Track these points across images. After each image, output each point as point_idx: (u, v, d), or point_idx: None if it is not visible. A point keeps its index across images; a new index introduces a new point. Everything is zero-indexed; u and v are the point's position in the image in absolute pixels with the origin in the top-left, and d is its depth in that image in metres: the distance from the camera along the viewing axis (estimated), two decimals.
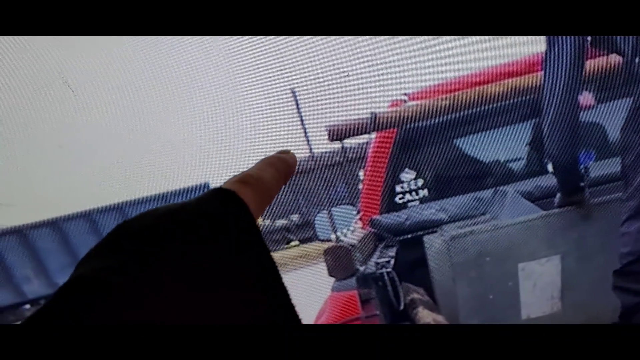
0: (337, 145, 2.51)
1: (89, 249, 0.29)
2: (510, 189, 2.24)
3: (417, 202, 2.71)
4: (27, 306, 12.50)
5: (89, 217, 11.56)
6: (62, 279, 11.69)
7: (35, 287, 11.54)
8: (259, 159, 0.39)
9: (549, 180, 2.21)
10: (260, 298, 0.28)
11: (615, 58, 1.95)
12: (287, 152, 0.40)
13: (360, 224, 2.61)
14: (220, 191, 0.32)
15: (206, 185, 12.81)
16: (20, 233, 10.91)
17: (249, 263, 0.29)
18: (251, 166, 0.38)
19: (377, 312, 1.84)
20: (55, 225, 11.24)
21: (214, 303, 0.26)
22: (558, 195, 1.88)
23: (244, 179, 0.34)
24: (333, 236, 2.26)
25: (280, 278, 0.31)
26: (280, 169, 0.38)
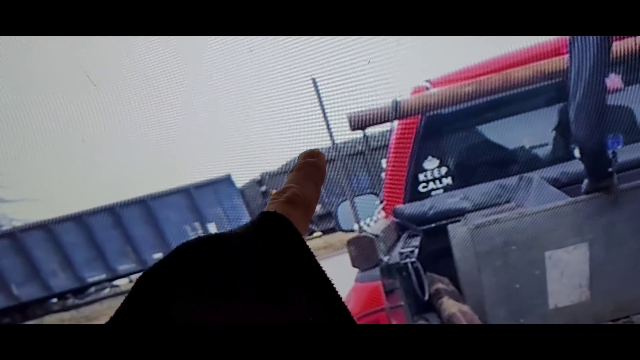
0: (359, 134, 2.50)
1: (156, 266, 0.30)
2: (535, 175, 2.22)
3: (441, 190, 2.70)
4: (54, 300, 12.73)
5: (112, 211, 11.72)
6: (87, 272, 11.91)
7: (62, 281, 11.74)
8: (294, 165, 0.41)
9: (575, 166, 2.19)
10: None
11: None
12: (317, 154, 0.41)
13: (383, 213, 2.61)
14: (273, 217, 0.34)
15: (228, 177, 12.89)
16: (45, 228, 11.11)
17: (309, 288, 0.31)
18: (290, 177, 0.40)
19: (402, 303, 1.84)
20: (79, 219, 11.42)
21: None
22: (585, 181, 1.86)
23: (292, 200, 0.36)
24: (356, 226, 2.26)
25: (340, 299, 0.32)
26: (318, 181, 0.40)
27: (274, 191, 0.39)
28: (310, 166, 0.40)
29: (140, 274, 0.30)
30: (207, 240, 0.31)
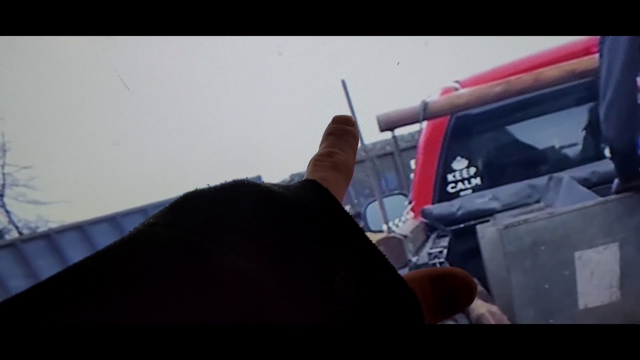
0: (388, 135, 2.51)
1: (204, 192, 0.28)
2: (565, 175, 2.19)
3: (470, 191, 2.69)
4: None
5: (145, 212, 11.82)
6: None
7: None
8: (332, 129, 0.40)
9: (606, 166, 2.16)
10: (369, 295, 0.28)
11: None
12: (354, 122, 0.41)
13: (412, 214, 2.61)
14: (316, 186, 0.31)
15: (258, 178, 12.94)
16: (80, 229, 11.25)
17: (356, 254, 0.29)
18: (330, 141, 0.38)
19: None
20: (113, 221, 11.54)
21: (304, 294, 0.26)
22: (616, 180, 1.84)
23: (338, 167, 0.36)
24: (385, 227, 2.26)
25: (393, 269, 0.30)
26: (355, 148, 0.40)
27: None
28: (350, 134, 0.40)
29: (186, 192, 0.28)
30: (261, 190, 0.29)
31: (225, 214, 0.27)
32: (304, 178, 0.33)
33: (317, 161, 0.36)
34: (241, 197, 0.28)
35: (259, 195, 0.29)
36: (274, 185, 0.30)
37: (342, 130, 0.40)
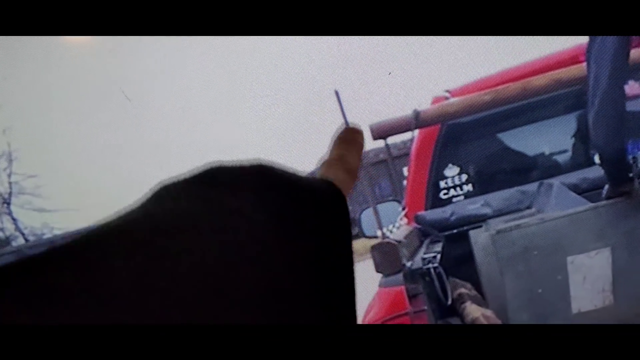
0: (381, 143, 2.48)
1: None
2: (556, 181, 2.17)
3: (462, 197, 2.67)
4: None
5: None
6: None
7: None
8: (348, 138, 0.43)
9: (596, 172, 2.14)
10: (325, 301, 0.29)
11: None
12: (361, 132, 0.43)
13: (405, 220, 2.58)
14: (332, 188, 0.35)
15: None
16: None
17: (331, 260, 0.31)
18: (340, 146, 0.41)
19: (425, 307, 1.80)
20: None
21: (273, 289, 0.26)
22: (606, 186, 1.80)
23: (351, 172, 0.39)
24: (379, 233, 2.23)
25: (353, 287, 0.32)
26: (360, 154, 0.42)
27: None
28: (361, 145, 0.42)
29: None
30: (284, 185, 0.31)
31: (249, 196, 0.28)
32: (319, 176, 0.37)
33: (331, 163, 0.39)
34: (264, 186, 0.30)
35: (280, 189, 0.30)
36: (296, 178, 0.32)
37: (357, 142, 0.42)
